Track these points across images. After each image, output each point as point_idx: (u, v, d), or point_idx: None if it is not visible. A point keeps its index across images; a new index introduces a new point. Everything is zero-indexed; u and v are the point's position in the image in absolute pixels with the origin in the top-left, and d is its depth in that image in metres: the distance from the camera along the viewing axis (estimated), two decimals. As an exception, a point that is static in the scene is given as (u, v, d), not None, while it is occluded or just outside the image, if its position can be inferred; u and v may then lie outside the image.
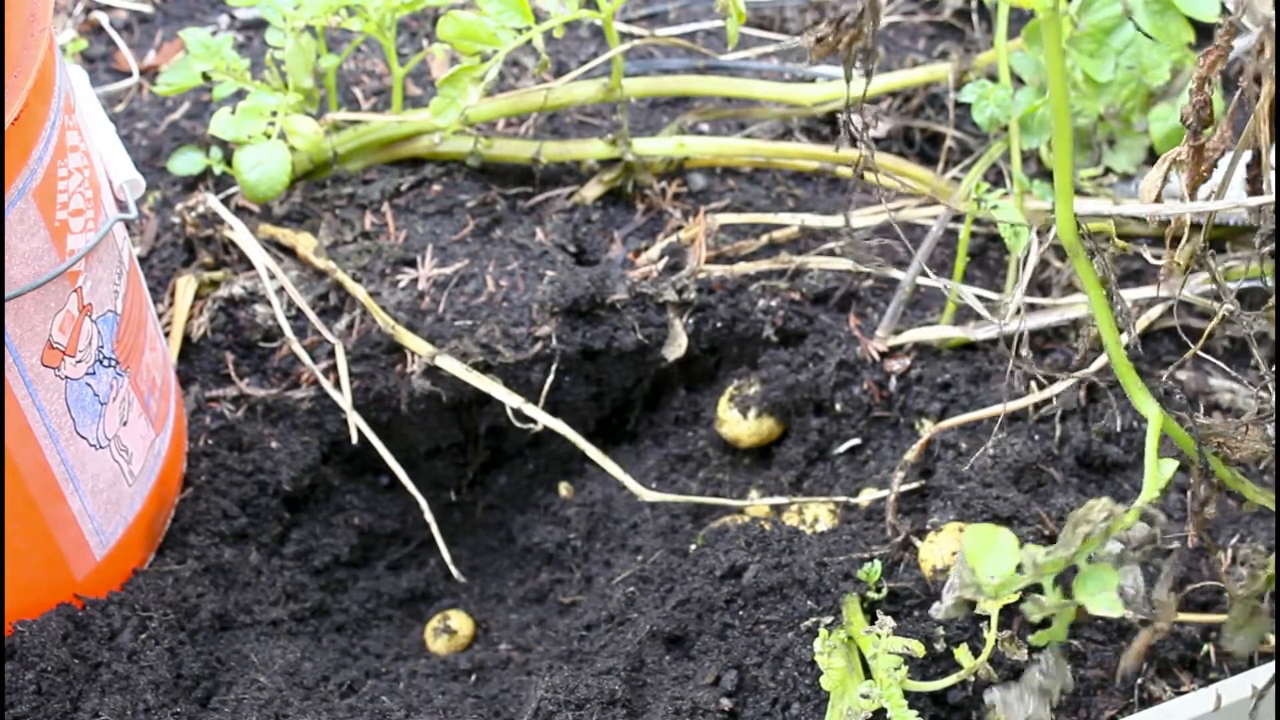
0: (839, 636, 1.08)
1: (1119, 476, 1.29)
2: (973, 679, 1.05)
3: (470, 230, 1.48)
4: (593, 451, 1.32)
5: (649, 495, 1.30)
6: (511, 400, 1.33)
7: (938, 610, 0.96)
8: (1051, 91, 0.79)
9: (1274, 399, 1.03)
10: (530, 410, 1.33)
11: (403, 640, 1.38)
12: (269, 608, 1.28)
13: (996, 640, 1.01)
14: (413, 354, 1.38)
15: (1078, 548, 0.88)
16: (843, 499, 1.30)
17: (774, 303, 1.42)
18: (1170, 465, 0.96)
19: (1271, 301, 1.06)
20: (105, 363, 1.10)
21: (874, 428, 1.36)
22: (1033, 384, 1.32)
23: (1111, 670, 1.12)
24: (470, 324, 1.40)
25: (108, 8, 1.75)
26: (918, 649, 1.03)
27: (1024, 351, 1.27)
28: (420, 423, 1.44)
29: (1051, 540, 1.21)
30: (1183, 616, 1.15)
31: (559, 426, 1.32)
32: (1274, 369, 1.05)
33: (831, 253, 1.46)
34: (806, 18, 1.76)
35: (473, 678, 1.28)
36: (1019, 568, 0.89)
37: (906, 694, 1.01)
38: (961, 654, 1.01)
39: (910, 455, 1.27)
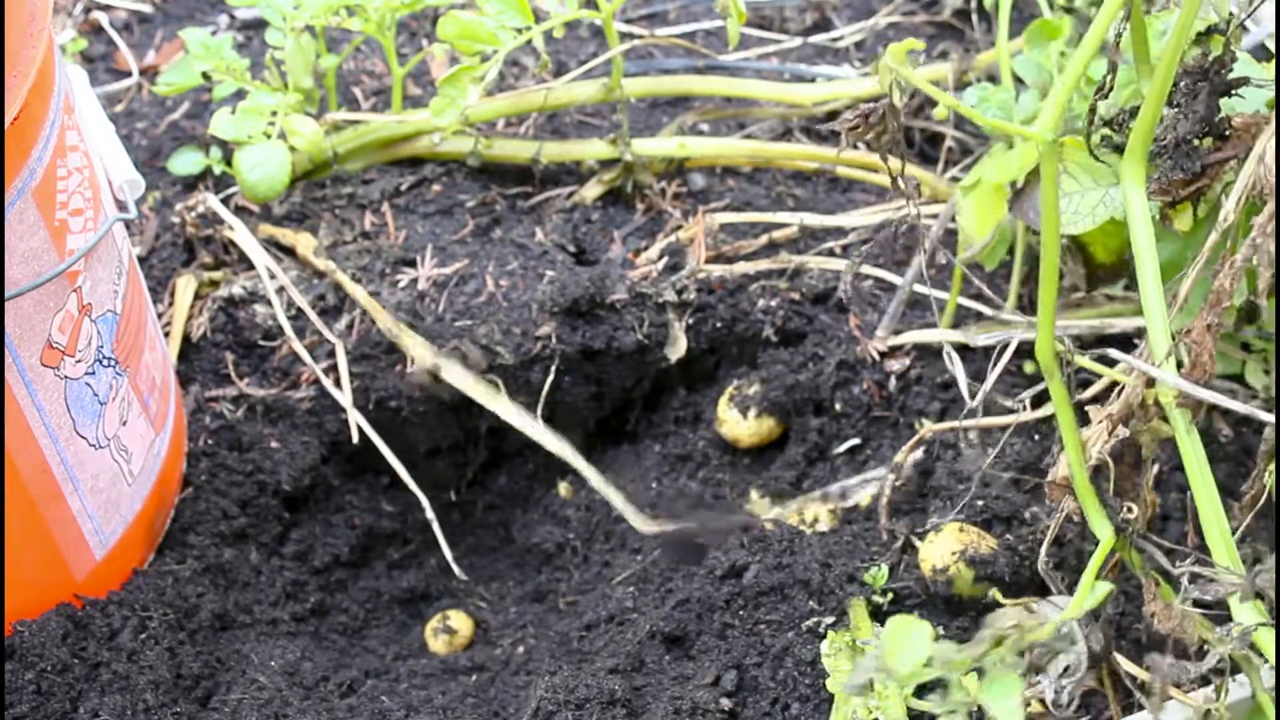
0: (844, 639, 1.08)
1: (1119, 476, 1.29)
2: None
3: (470, 230, 1.48)
4: (582, 466, 1.35)
5: (646, 528, 1.32)
6: (505, 414, 1.36)
7: (847, 687, 0.95)
8: (1044, 244, 0.79)
9: (1275, 397, 1.03)
10: (525, 425, 1.35)
11: (403, 640, 1.37)
12: (269, 608, 1.28)
13: None
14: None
15: (984, 650, 0.88)
16: (842, 499, 1.30)
17: (774, 303, 1.42)
18: (1104, 588, 0.97)
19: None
20: (105, 362, 1.10)
21: (874, 428, 1.36)
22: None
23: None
24: (470, 324, 1.40)
25: (108, 8, 1.75)
26: None
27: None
28: (420, 423, 1.44)
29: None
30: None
31: (550, 443, 1.34)
32: (1276, 370, 1.05)
33: (831, 253, 1.46)
34: (806, 17, 1.76)
35: (473, 678, 1.28)
36: (929, 661, 0.89)
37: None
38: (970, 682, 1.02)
39: (899, 458, 1.26)
